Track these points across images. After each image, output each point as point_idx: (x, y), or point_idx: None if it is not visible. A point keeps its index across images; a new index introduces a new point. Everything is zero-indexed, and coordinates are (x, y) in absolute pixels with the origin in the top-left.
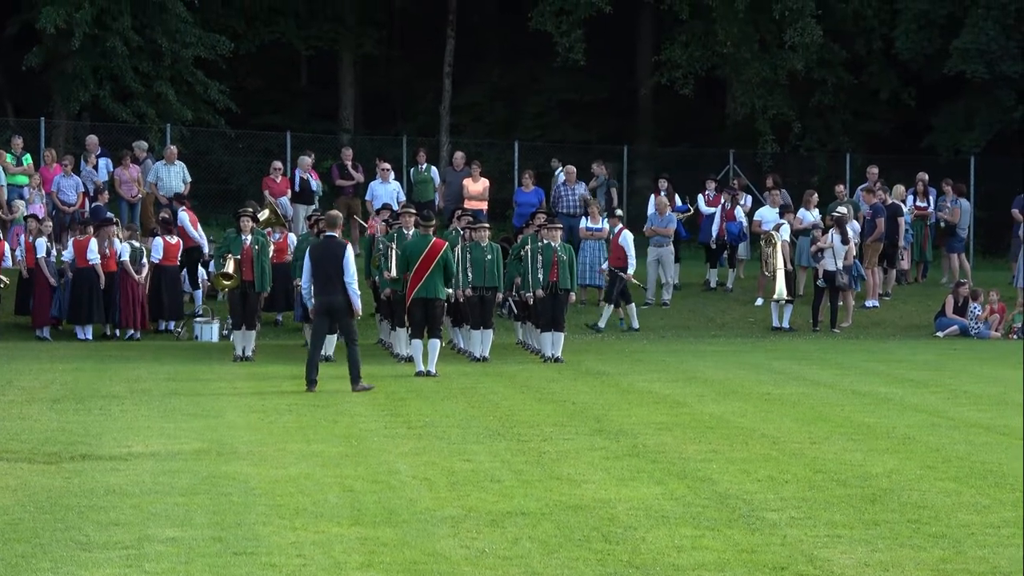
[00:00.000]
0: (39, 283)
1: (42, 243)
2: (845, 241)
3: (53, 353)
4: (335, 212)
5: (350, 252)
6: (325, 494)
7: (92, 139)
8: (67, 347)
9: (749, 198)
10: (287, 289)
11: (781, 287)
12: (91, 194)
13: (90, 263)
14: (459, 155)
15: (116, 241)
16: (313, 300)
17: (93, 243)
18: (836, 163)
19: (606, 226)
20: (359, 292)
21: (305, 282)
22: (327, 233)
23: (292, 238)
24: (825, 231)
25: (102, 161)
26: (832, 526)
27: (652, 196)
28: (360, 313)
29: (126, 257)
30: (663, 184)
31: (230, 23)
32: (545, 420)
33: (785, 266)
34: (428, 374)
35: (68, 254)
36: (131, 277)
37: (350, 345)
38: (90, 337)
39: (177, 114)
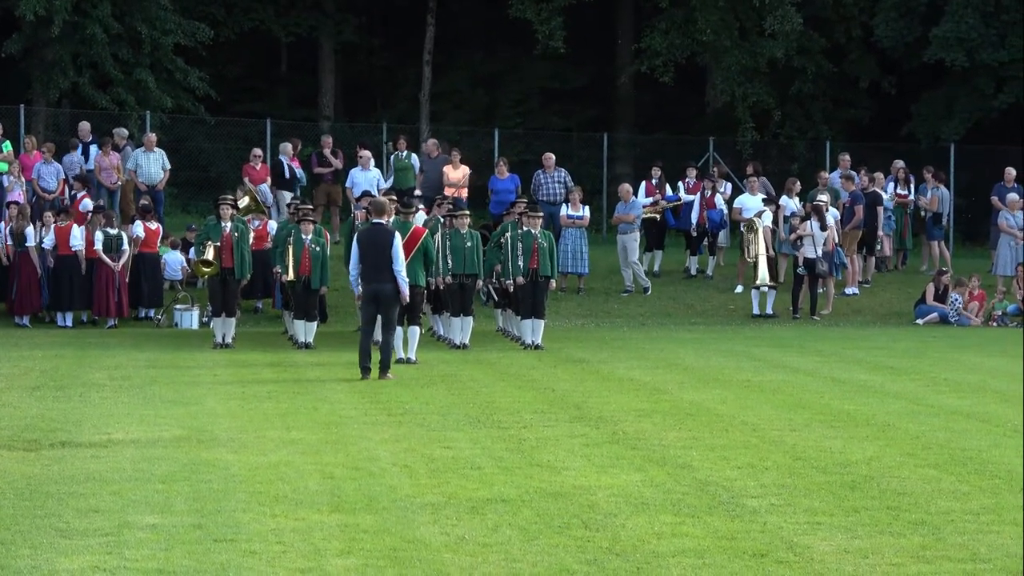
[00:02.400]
0: (24, 271)
1: (31, 232)
2: (824, 228)
3: (32, 340)
4: (383, 199)
5: (398, 240)
6: (305, 481)
7: (84, 126)
8: (47, 334)
9: (729, 186)
10: (266, 276)
11: (764, 272)
12: (70, 182)
13: (73, 250)
14: (431, 143)
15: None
16: (360, 287)
17: (76, 230)
18: (816, 151)
19: (586, 214)
20: (406, 279)
21: (353, 269)
22: (375, 220)
23: (272, 225)
24: (804, 219)
25: (91, 148)
26: (812, 513)
27: (644, 183)
28: (408, 300)
29: (99, 245)
30: (656, 172)
31: (210, 10)
32: (525, 407)
33: (767, 251)
34: (408, 361)
35: (49, 241)
36: (106, 265)
37: (387, 333)
38: (70, 324)
39: (157, 101)
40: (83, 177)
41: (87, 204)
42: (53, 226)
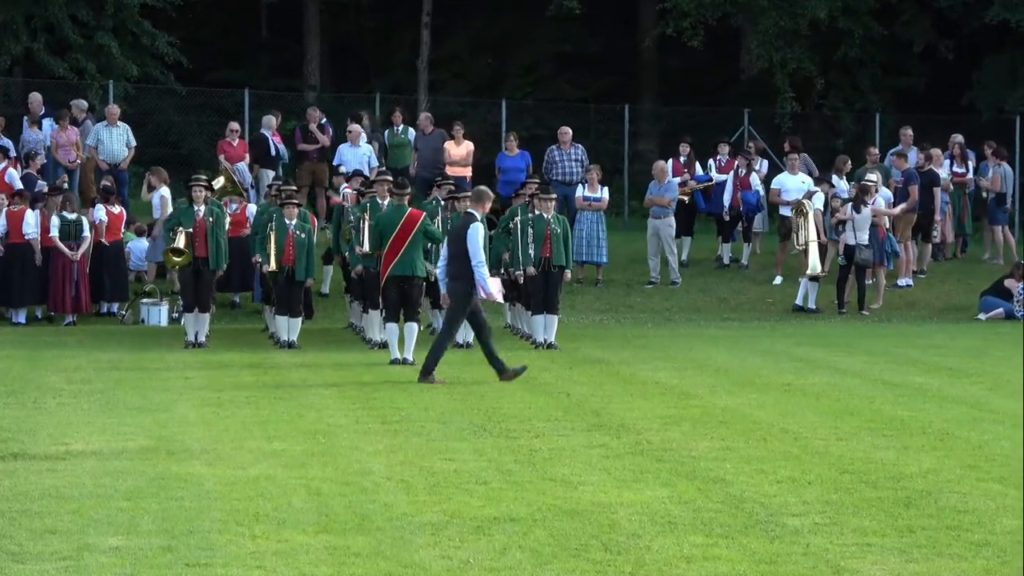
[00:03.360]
0: None
1: None
2: (863, 210)
3: None
4: (482, 188)
5: (475, 230)
6: (288, 498)
7: (36, 97)
8: None
9: (765, 163)
10: (244, 266)
11: (815, 261)
12: (22, 159)
13: (26, 238)
14: (425, 116)
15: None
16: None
17: (30, 215)
18: (864, 124)
19: (605, 195)
20: (487, 275)
21: (442, 261)
22: (468, 209)
23: (251, 209)
24: (848, 201)
25: (46, 122)
26: (861, 533)
27: (670, 161)
28: (493, 297)
29: (55, 232)
30: (684, 148)
31: None
32: (537, 414)
33: (819, 238)
34: (404, 362)
35: None
36: (63, 254)
37: (478, 333)
38: (23, 321)
39: (121, 69)
40: (2, 147)
41: (12, 176)
42: (4, 210)
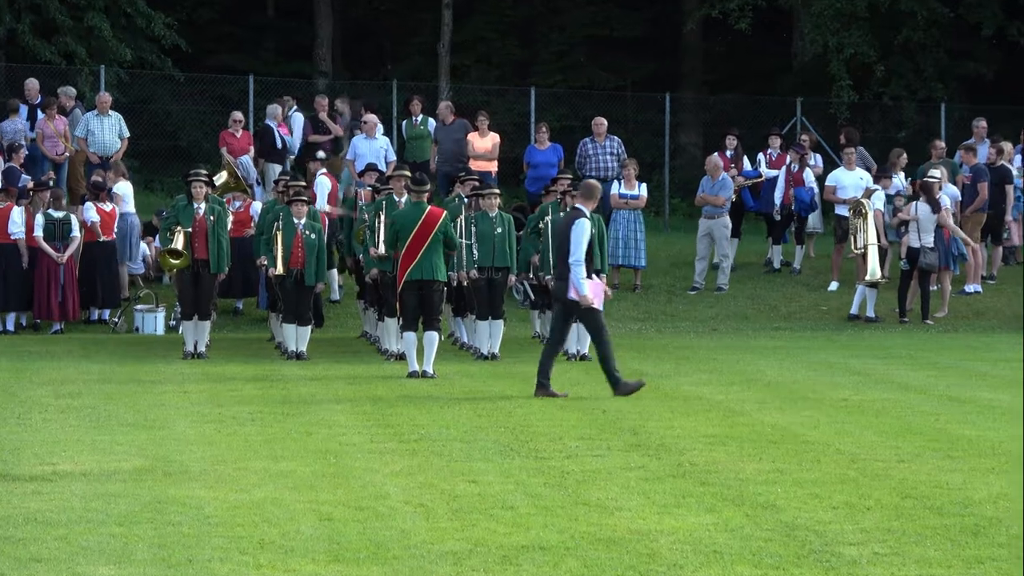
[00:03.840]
0: None
1: None
2: (935, 210)
3: None
4: (592, 182)
5: (581, 226)
6: (297, 523)
7: (32, 84)
8: None
9: (819, 158)
10: (247, 270)
11: (875, 266)
12: (4, 151)
13: (12, 238)
14: (445, 106)
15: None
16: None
17: (16, 213)
18: (928, 115)
19: (643, 193)
20: (583, 275)
21: (552, 259)
22: (575, 205)
23: (256, 207)
24: (911, 199)
25: (25, 109)
26: (925, 564)
27: (716, 155)
28: (589, 301)
29: (39, 231)
30: (731, 141)
31: None
32: (569, 432)
33: (879, 241)
34: (424, 375)
35: None
36: (48, 256)
37: (595, 340)
38: (11, 329)
39: (113, 53)
40: None
41: (15, 175)
42: None
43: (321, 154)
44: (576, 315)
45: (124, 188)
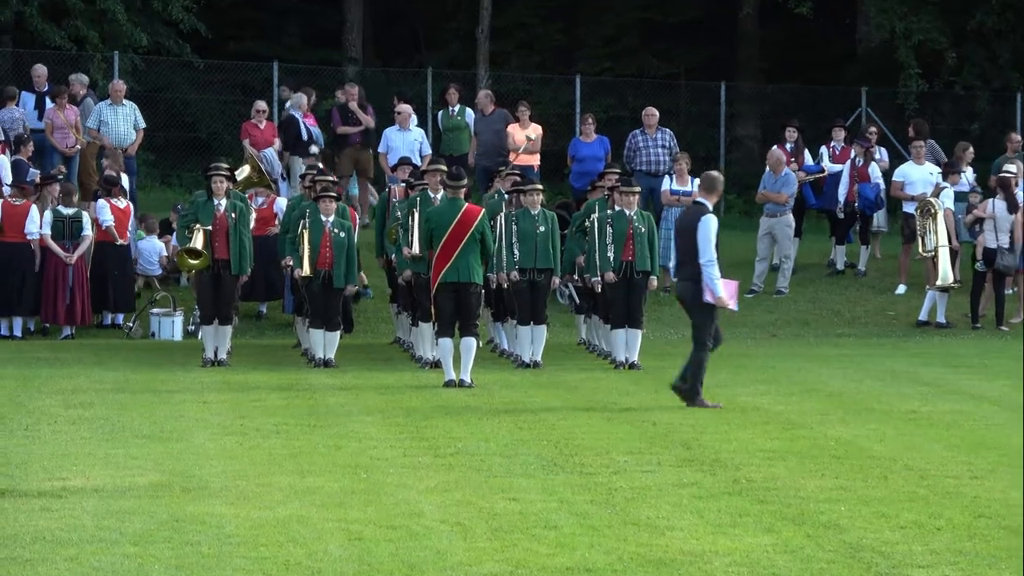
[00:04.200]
0: None
1: None
2: (1013, 209)
3: None
4: (714, 174)
5: (707, 222)
6: (324, 543)
7: (40, 70)
8: None
9: (884, 152)
10: (269, 272)
11: (946, 269)
12: (11, 143)
13: (29, 238)
14: (484, 95)
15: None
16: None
17: (35, 211)
18: (1004, 105)
19: (695, 188)
20: (717, 275)
21: (673, 260)
22: (697, 199)
23: (280, 203)
24: (988, 195)
25: (27, 97)
26: None
27: (775, 148)
28: (725, 304)
29: (47, 229)
30: (791, 133)
31: None
32: (617, 446)
33: (950, 242)
34: (461, 384)
35: None
36: (56, 256)
37: (696, 346)
38: (19, 334)
39: (128, 38)
40: None
41: (3, 164)
42: (0, 204)
43: (314, 149)
44: (691, 316)
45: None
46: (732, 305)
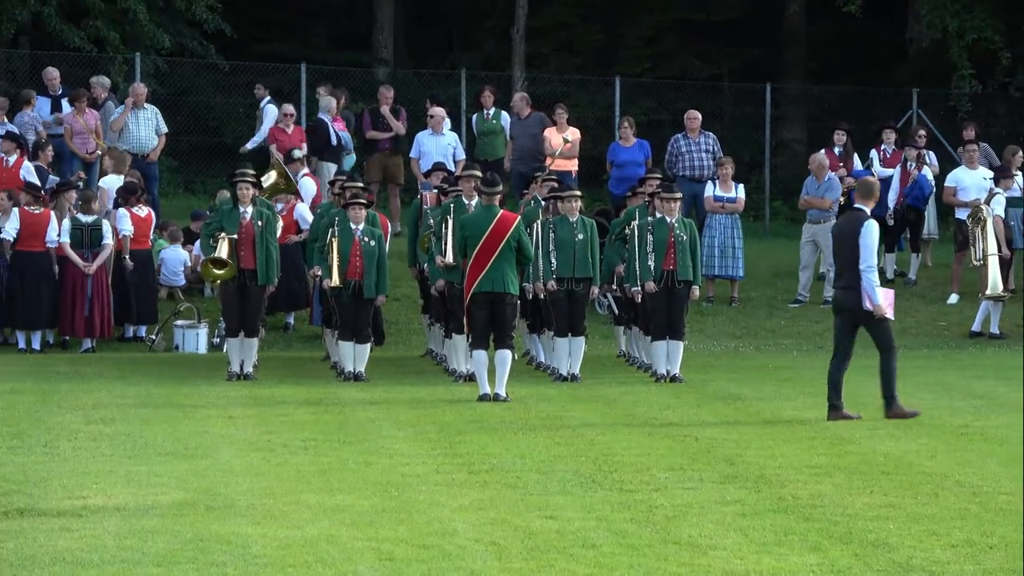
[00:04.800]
0: None
1: None
2: None
3: None
4: (871, 180)
5: (870, 228)
6: (354, 564)
7: (52, 73)
8: (0, 360)
9: (933, 156)
10: (291, 280)
11: (995, 279)
12: (29, 148)
13: (47, 247)
14: (520, 97)
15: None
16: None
17: (55, 219)
18: None
19: (741, 195)
20: (877, 282)
21: (831, 268)
22: (856, 204)
23: (300, 209)
24: None
25: (43, 101)
26: None
27: (823, 152)
28: (882, 312)
29: (66, 238)
30: (840, 137)
31: None
32: (657, 462)
33: (1000, 250)
34: (496, 398)
35: (11, 231)
36: (75, 266)
37: (883, 354)
38: (37, 347)
39: (150, 39)
40: (12, 134)
41: (28, 170)
42: (17, 211)
43: (298, 152)
44: (866, 326)
45: (113, 183)
46: (889, 313)
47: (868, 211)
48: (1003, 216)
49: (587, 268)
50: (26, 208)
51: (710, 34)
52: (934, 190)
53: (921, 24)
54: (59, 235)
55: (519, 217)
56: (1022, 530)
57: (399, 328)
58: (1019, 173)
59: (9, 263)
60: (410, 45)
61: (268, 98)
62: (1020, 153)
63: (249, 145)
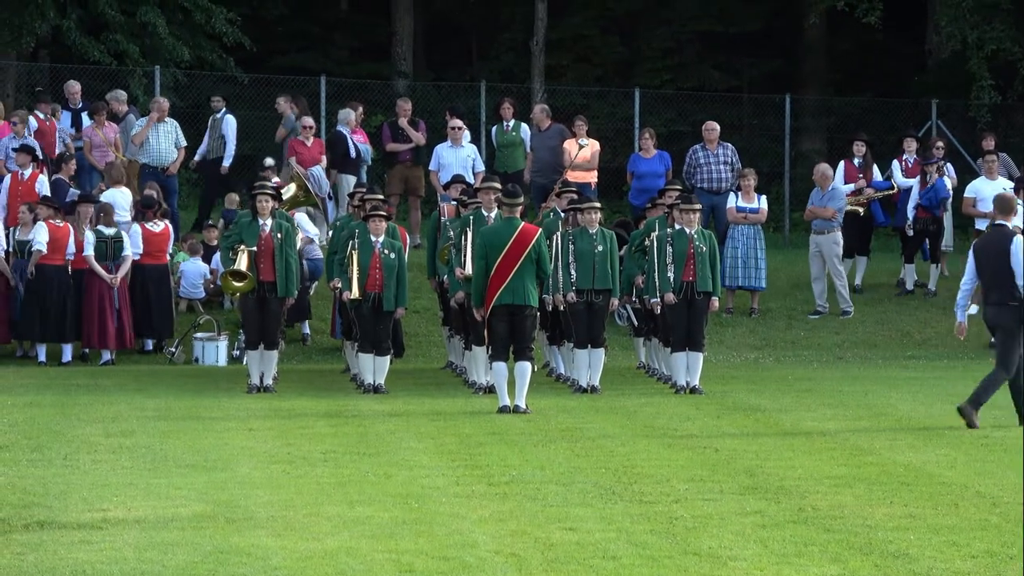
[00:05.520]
0: None
1: None
2: None
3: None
4: (1008, 194)
5: (1019, 245)
6: (375, 575)
7: (74, 87)
8: (19, 373)
9: (951, 168)
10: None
11: None
12: (9, 153)
13: (67, 259)
14: (540, 109)
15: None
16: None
17: (74, 232)
18: None
19: (763, 206)
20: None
21: (967, 284)
22: (998, 221)
23: (299, 218)
24: None
25: (64, 115)
26: None
27: (843, 163)
28: None
29: (90, 250)
30: (859, 148)
31: None
32: (677, 473)
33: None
34: (516, 410)
35: (38, 243)
36: (100, 278)
37: (998, 368)
38: (68, 359)
39: (169, 52)
40: (27, 147)
41: (43, 184)
42: (42, 224)
43: (269, 161)
44: (999, 336)
45: (115, 196)
46: None
47: (1010, 226)
48: (1021, 227)
49: (606, 280)
50: (53, 223)
51: (730, 45)
52: (950, 196)
53: (940, 35)
54: (83, 248)
55: (540, 230)
56: None
57: (419, 340)
58: None
59: (31, 277)
60: (429, 57)
61: (224, 109)
62: None
63: (225, 162)
